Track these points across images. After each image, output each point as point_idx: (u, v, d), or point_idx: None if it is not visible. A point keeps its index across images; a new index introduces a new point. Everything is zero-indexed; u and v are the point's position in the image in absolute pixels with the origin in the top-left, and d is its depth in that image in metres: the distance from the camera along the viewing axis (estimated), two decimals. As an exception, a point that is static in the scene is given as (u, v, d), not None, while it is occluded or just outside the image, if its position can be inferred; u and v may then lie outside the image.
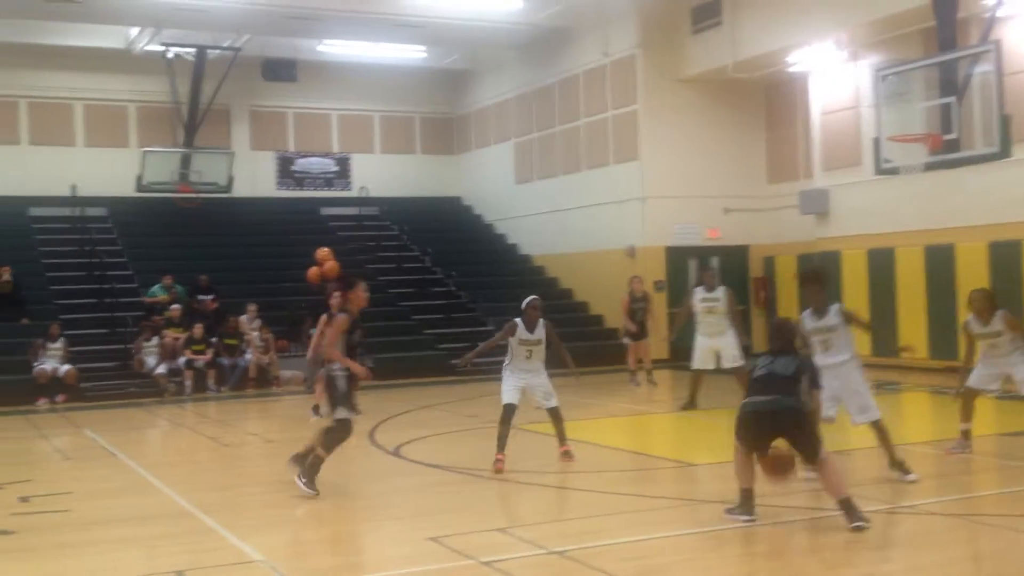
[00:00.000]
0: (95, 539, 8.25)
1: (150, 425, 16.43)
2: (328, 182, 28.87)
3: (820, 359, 9.04)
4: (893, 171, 17.86)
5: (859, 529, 7.47)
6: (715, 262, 22.57)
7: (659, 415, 15.85)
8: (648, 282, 22.80)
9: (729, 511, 7.94)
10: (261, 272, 23.90)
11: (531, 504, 9.32)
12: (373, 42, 25.89)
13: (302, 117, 28.65)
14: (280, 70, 26.87)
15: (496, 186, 28.50)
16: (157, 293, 21.45)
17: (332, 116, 28.95)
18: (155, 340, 19.69)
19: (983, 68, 16.40)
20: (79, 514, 9.18)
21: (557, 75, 25.79)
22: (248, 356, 20.07)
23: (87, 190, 24.99)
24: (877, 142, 17.87)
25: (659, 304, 22.85)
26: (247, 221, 26.30)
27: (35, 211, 25.09)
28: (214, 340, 20.03)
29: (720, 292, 14.73)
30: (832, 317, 9.12)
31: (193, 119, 25.27)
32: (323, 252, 20.73)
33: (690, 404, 14.81)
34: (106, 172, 25.74)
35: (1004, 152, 16.41)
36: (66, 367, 18.71)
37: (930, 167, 17.40)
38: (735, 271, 23.14)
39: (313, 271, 20.98)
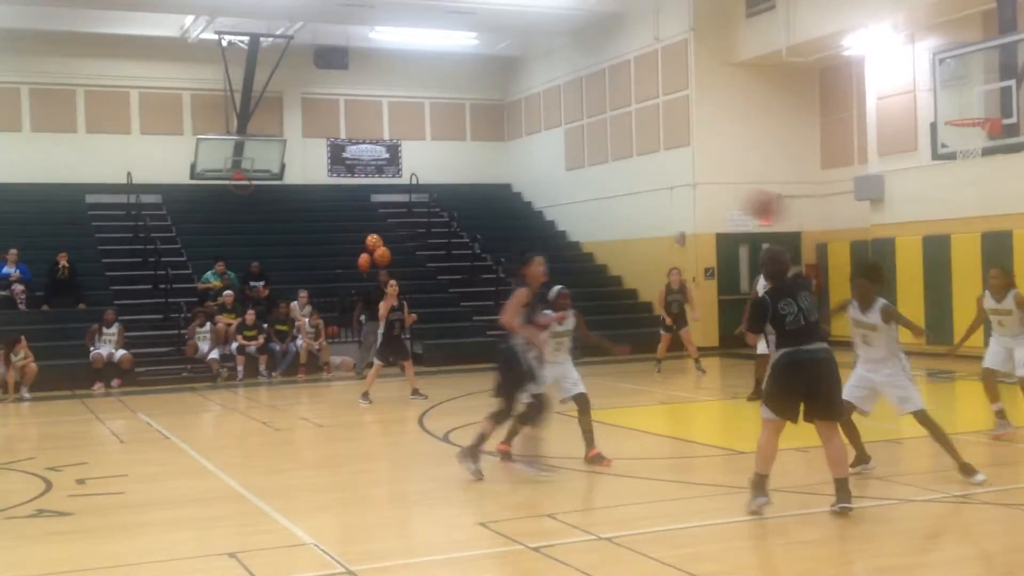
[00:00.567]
0: (149, 521, 8.37)
1: (203, 409, 16.64)
2: (379, 169, 29.02)
3: (861, 352, 8.92)
4: (950, 156, 17.59)
5: (844, 511, 7.52)
6: (766, 248, 22.31)
7: (705, 402, 15.76)
8: (698, 270, 22.75)
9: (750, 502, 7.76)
10: (312, 259, 24.08)
11: (578, 491, 9.30)
12: (424, 29, 25.95)
13: (353, 104, 28.79)
14: (332, 57, 27.02)
15: (546, 173, 28.45)
16: (210, 279, 21.69)
17: (383, 103, 29.06)
18: (208, 326, 19.92)
19: (1044, 51, 16.09)
20: (134, 496, 9.32)
21: (608, 61, 25.65)
22: (299, 342, 20.24)
23: (142, 177, 25.32)
24: (934, 127, 17.62)
25: (710, 291, 22.75)
26: (299, 208, 26.51)
27: (91, 198, 25.49)
28: (265, 326, 20.23)
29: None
30: (874, 315, 8.77)
31: (246, 107, 25.49)
32: (373, 239, 20.89)
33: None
34: (161, 159, 26.09)
35: (1065, 137, 16.10)
36: (121, 352, 19.00)
37: (988, 152, 17.12)
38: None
39: (364, 258, 21.19)
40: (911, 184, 20.31)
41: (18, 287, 20.62)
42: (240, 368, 19.64)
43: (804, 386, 7.64)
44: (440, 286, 23.84)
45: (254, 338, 19.96)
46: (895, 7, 19.55)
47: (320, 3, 23.21)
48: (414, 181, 27.75)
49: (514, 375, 9.15)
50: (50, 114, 26.04)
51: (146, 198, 25.19)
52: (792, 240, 23.60)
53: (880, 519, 7.62)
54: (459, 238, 26.36)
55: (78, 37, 25.41)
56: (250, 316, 20.08)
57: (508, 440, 9.64)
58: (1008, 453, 10.16)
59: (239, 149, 25.72)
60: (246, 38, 24.58)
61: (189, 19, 24.78)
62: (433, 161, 28.81)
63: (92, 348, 18.84)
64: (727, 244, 23.09)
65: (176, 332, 20.52)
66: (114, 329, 19.08)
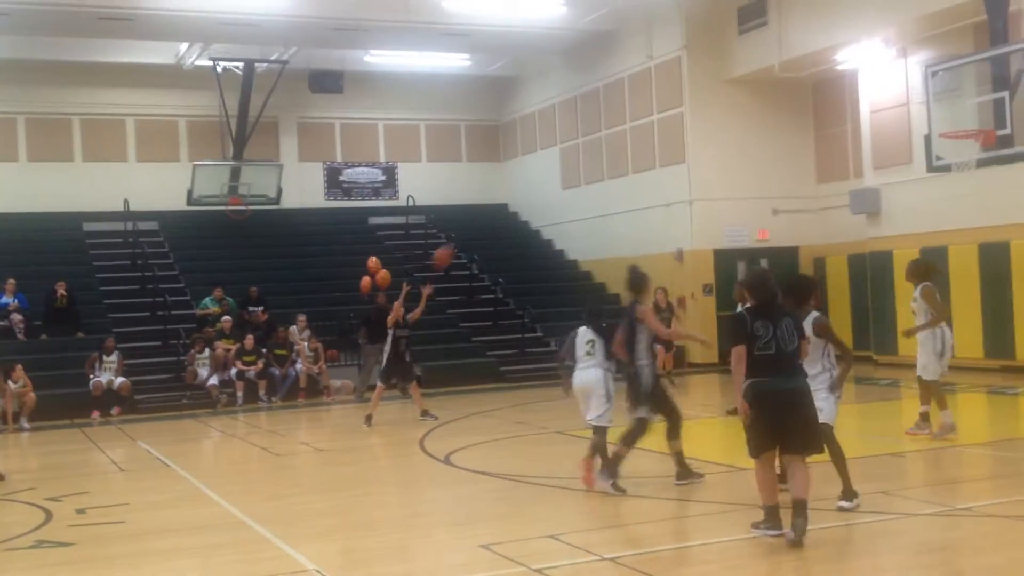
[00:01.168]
0: (151, 549, 8.33)
1: (203, 436, 16.60)
2: (375, 191, 29.08)
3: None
4: (945, 168, 17.60)
5: (796, 535, 7.18)
6: (764, 264, 22.37)
7: (706, 419, 15.72)
8: (697, 287, 22.78)
9: (755, 525, 7.61)
10: (310, 282, 24.08)
11: (581, 510, 9.28)
12: (418, 51, 26.03)
13: (349, 127, 28.86)
14: (327, 81, 27.10)
15: (542, 192, 28.49)
16: (208, 305, 21.68)
17: (379, 126, 29.15)
18: (207, 352, 19.90)
19: (1036, 62, 16.13)
20: (135, 525, 9.28)
21: (602, 79, 25.73)
22: (298, 366, 20.22)
23: (139, 204, 25.35)
24: (928, 139, 17.63)
25: (709, 307, 22.74)
26: (296, 232, 26.52)
27: (89, 226, 25.51)
28: (264, 351, 20.20)
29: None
30: (807, 328, 8.05)
31: (242, 132, 25.53)
32: (374, 261, 20.90)
33: None
34: (157, 186, 26.13)
35: (1059, 146, 16.12)
36: (120, 380, 18.97)
37: (983, 163, 17.12)
38: (785, 273, 22.86)
39: (366, 281, 21.14)
40: (907, 197, 20.34)
41: (16, 317, 20.59)
42: (240, 394, 19.60)
43: (770, 423, 7.33)
44: (439, 307, 23.81)
45: (253, 363, 19.93)
46: (886, 21, 19.63)
47: (314, 28, 23.30)
48: (411, 203, 27.79)
49: (633, 394, 9.53)
50: (46, 143, 26.10)
51: (143, 225, 25.22)
52: (790, 255, 23.65)
53: (885, 534, 7.58)
54: (457, 259, 26.33)
55: (73, 66, 25.49)
56: (249, 341, 20.06)
57: (614, 461, 9.63)
58: (1009, 465, 10.13)
59: (235, 174, 25.73)
60: (241, 64, 24.64)
61: (184, 46, 24.84)
62: (429, 183, 28.86)
63: (91, 376, 18.80)
64: (725, 260, 23.10)
65: (175, 359, 20.48)
66: (114, 357, 19.05)
